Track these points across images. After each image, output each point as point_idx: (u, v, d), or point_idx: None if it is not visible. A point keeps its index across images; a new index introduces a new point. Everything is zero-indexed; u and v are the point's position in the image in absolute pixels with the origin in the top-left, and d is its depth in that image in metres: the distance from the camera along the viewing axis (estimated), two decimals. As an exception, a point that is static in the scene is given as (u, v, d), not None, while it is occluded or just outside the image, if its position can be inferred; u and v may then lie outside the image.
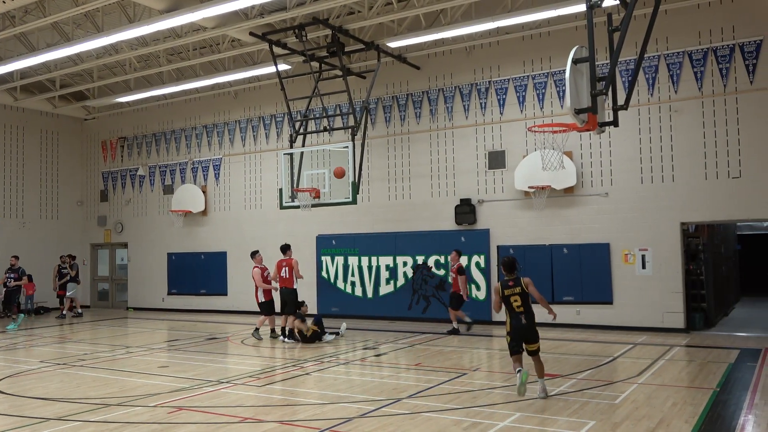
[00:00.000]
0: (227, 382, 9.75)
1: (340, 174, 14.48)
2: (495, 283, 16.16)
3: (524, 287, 8.47)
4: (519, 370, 8.19)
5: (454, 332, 14.46)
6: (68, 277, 20.04)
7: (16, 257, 18.69)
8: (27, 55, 16.80)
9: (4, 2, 12.54)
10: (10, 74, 19.22)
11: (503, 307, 8.58)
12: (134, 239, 23.05)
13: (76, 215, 24.35)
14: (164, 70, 18.75)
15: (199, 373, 10.54)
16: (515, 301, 8.43)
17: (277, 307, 14.41)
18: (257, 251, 14.83)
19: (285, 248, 14.38)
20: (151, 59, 18.79)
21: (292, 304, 13.94)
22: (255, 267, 14.41)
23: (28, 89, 21.29)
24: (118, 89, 21.43)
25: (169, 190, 22.12)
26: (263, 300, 14.25)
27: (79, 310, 20.42)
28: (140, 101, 22.19)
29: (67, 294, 20.06)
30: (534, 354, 8.53)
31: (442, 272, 16.82)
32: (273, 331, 14.41)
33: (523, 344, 8.50)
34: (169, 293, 21.94)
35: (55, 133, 23.86)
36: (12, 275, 18.19)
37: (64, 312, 19.98)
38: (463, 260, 16.52)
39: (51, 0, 14.33)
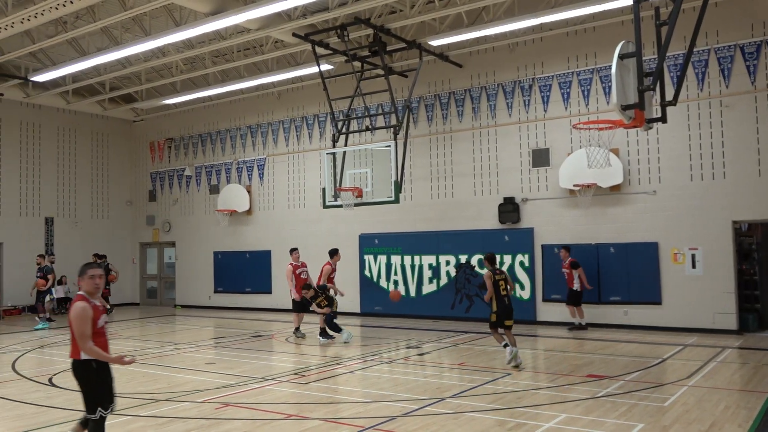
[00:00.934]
0: (272, 379, 9.86)
1: (396, 297, 14.30)
2: (539, 282, 16.02)
3: (506, 275, 11.07)
4: (506, 344, 10.50)
5: (580, 327, 14.78)
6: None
7: (42, 256, 18.91)
8: (78, 59, 17.29)
9: (72, 2, 12.87)
10: (63, 78, 19.81)
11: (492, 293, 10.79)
12: (181, 238, 23.51)
13: (125, 215, 24.98)
14: (209, 71, 19.07)
15: (245, 370, 10.70)
16: (501, 286, 10.77)
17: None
18: (294, 248, 15.06)
19: (330, 252, 14.56)
20: (196, 61, 19.14)
21: (301, 303, 14.11)
22: (288, 264, 14.73)
23: (80, 92, 21.92)
24: (165, 91, 21.91)
25: (214, 189, 22.50)
26: (294, 298, 14.43)
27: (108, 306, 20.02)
28: (187, 103, 22.62)
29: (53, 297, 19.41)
30: (510, 328, 10.75)
31: (485, 271, 16.64)
32: (297, 330, 14.46)
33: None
34: (216, 291, 22.31)
35: (105, 135, 24.51)
36: (38, 274, 18.36)
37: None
38: (507, 260, 16.41)
39: (101, 5, 14.70)
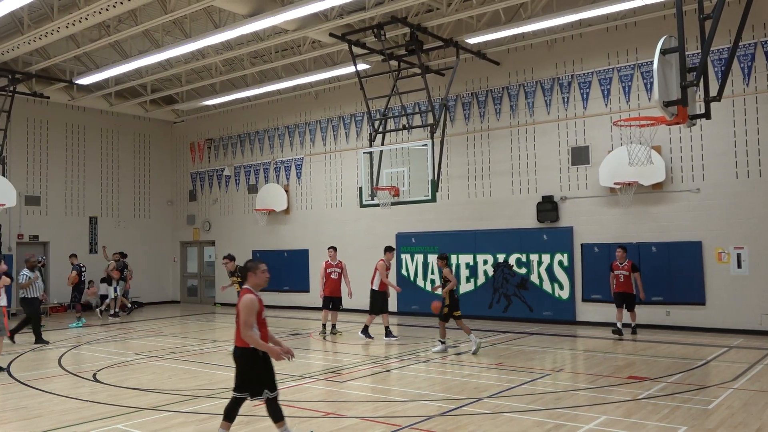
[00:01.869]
0: (310, 377, 9.93)
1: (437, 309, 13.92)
2: (578, 282, 15.79)
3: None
4: (444, 341, 12.08)
5: (634, 331, 13.98)
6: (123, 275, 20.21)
7: (74, 255, 19.46)
8: (121, 62, 17.67)
9: (114, 6, 13.15)
10: (106, 81, 20.26)
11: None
12: (221, 237, 23.84)
13: (166, 214, 25.44)
14: (248, 72, 19.29)
15: (283, 368, 10.77)
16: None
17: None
18: (332, 247, 15.24)
19: (384, 249, 14.51)
20: (235, 63, 19.37)
21: (373, 304, 14.03)
22: (324, 261, 14.96)
23: (122, 95, 22.39)
24: (204, 92, 22.24)
25: (253, 189, 22.75)
26: (325, 296, 14.66)
27: (117, 310, 19.89)
28: (226, 104, 22.92)
29: (117, 293, 20.01)
30: (461, 318, 11.95)
31: (523, 270, 16.54)
32: (325, 327, 14.68)
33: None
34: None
35: (147, 136, 25.00)
36: (79, 270, 18.76)
37: (115, 311, 19.73)
38: (545, 259, 16.23)
39: (142, 9, 15.00)
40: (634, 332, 13.95)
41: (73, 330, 16.83)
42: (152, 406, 8.17)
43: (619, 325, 13.81)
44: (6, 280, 11.72)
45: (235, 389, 6.23)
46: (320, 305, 20.21)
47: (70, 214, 22.60)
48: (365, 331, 13.93)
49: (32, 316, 14.32)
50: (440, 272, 12.73)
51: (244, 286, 6.35)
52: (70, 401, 8.62)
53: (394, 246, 14.91)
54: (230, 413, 6.27)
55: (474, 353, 11.73)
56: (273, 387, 6.23)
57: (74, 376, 10.35)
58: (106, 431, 7.08)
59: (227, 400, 8.29)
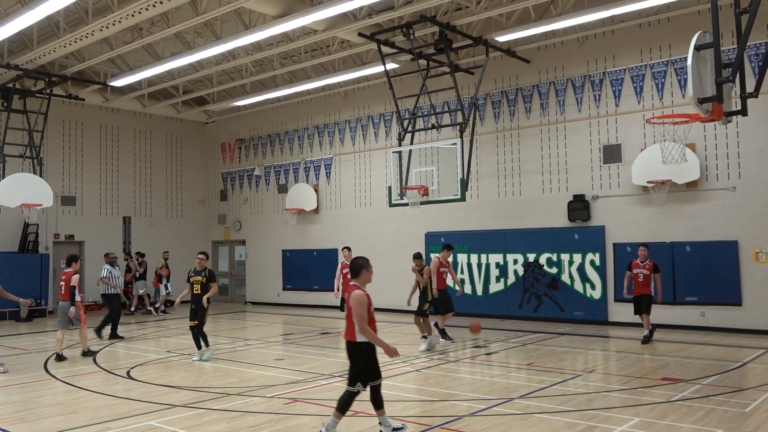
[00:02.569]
0: (340, 376, 9.96)
1: (476, 329, 13.46)
2: (610, 282, 15.58)
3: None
4: (425, 336, 12.15)
5: (646, 340, 12.74)
6: (137, 275, 20.58)
7: (107, 255, 19.72)
8: (153, 64, 17.94)
9: (161, 2, 13.38)
10: (139, 83, 20.58)
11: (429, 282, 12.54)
12: (251, 236, 24.06)
13: (198, 214, 25.76)
14: (278, 73, 19.43)
15: (313, 367, 10.85)
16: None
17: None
18: (346, 247, 15.18)
19: (443, 247, 13.91)
20: (265, 63, 19.53)
21: (439, 304, 13.01)
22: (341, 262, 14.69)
23: (155, 96, 22.73)
24: (235, 93, 22.47)
25: (283, 189, 22.92)
26: (343, 297, 14.34)
27: (158, 306, 20.57)
28: (256, 104, 23.12)
29: (139, 291, 20.60)
30: (428, 317, 12.42)
31: (554, 270, 16.39)
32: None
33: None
34: (284, 289, 22.73)
35: (179, 137, 25.34)
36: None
37: (150, 308, 20.35)
38: (577, 258, 16.05)
39: (174, 11, 15.20)
40: (645, 341, 12.68)
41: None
42: (184, 404, 8.28)
43: (647, 332, 12.84)
44: (76, 278, 12.20)
45: (350, 383, 6.50)
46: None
47: (104, 213, 23.02)
48: (444, 335, 13.23)
49: (113, 311, 14.66)
50: (420, 272, 12.77)
51: (352, 283, 6.68)
52: (104, 398, 8.78)
53: (450, 244, 13.98)
54: (345, 406, 6.49)
55: (421, 350, 12.10)
56: (379, 375, 6.63)
57: (109, 373, 10.53)
58: (140, 427, 7.19)
59: (258, 398, 8.38)
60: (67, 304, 11.87)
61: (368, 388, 6.52)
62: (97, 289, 20.67)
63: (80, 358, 12.04)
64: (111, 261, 15.12)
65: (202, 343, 11.71)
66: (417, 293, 13.00)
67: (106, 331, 14.53)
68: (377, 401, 6.59)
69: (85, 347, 12.36)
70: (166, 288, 20.57)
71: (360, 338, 6.45)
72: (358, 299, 6.43)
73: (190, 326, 11.67)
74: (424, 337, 12.41)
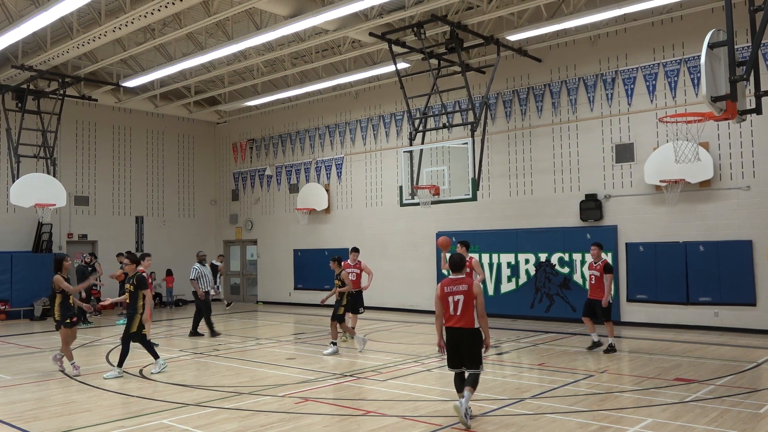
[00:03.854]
0: (351, 376, 9.97)
1: (445, 245, 12.93)
2: (623, 282, 15.49)
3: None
4: (334, 344, 12.25)
5: (612, 350, 11.72)
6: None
7: (122, 254, 19.78)
8: (165, 64, 18.03)
9: (173, 3, 13.44)
10: (151, 83, 20.70)
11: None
12: (263, 236, 24.13)
13: (209, 214, 25.87)
14: (289, 73, 19.47)
15: (324, 366, 10.86)
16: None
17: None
18: (353, 249, 14.73)
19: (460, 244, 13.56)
20: (276, 64, 19.58)
21: None
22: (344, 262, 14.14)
23: (167, 96, 22.85)
24: (246, 93, 22.55)
25: (294, 189, 22.97)
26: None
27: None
28: (267, 104, 23.19)
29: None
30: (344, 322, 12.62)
31: (566, 270, 16.32)
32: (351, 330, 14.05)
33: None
34: (296, 288, 22.77)
35: (191, 137, 25.46)
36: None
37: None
38: (589, 258, 15.91)
39: (186, 12, 15.27)
40: (608, 350, 11.65)
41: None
42: (196, 402, 8.31)
43: (594, 338, 11.99)
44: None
45: (476, 366, 7.26)
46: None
47: (117, 213, 23.16)
48: None
49: (202, 309, 14.85)
50: (339, 274, 12.71)
51: (459, 276, 7.35)
52: (117, 396, 8.84)
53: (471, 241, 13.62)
54: (475, 384, 7.28)
55: (360, 351, 12.20)
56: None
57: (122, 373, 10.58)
58: (152, 426, 7.23)
59: (269, 398, 8.39)
60: None
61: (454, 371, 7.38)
62: (107, 289, 20.95)
63: (90, 357, 12.11)
64: (201, 259, 15.31)
65: (117, 360, 10.40)
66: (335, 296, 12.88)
67: (218, 327, 15.05)
68: (468, 381, 7.28)
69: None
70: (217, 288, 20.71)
71: (476, 324, 7.24)
72: (481, 291, 7.37)
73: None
74: (333, 343, 12.32)
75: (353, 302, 13.81)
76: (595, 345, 11.97)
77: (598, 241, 12.65)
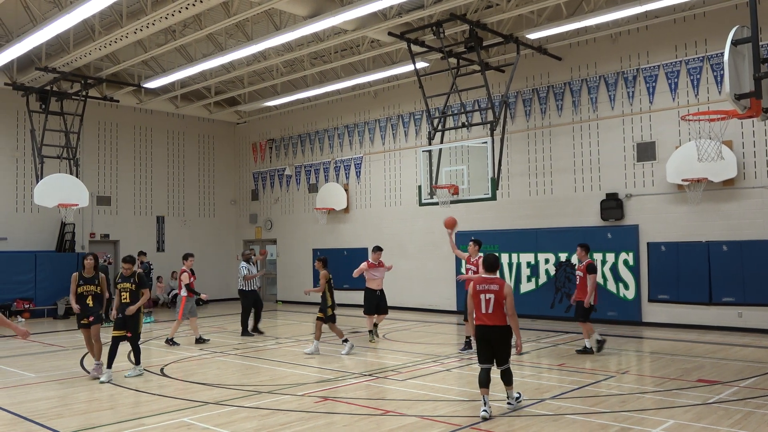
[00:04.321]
0: (370, 375, 9.98)
1: (451, 224, 13.15)
2: (644, 282, 15.34)
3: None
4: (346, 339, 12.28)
5: (587, 351, 11.58)
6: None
7: (143, 253, 19.98)
8: (186, 65, 18.17)
9: (201, 1, 13.52)
10: (172, 84, 20.86)
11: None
12: (282, 236, 24.23)
13: (230, 213, 26.04)
14: (308, 73, 19.53)
15: (343, 365, 10.88)
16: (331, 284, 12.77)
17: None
18: (378, 248, 14.55)
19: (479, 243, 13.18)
20: (295, 64, 19.64)
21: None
22: (366, 261, 14.39)
23: (187, 97, 23.03)
24: (266, 94, 22.66)
25: (313, 188, 23.04)
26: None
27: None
28: (286, 104, 23.27)
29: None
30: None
31: (323, 271, 15.93)
32: (370, 332, 13.92)
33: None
34: (314, 287, 22.78)
35: (211, 137, 25.64)
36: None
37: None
38: (610, 258, 15.84)
39: (206, 13, 15.37)
40: (582, 351, 11.55)
41: (144, 326, 17.41)
42: (217, 401, 8.37)
43: (596, 336, 11.65)
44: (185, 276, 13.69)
45: (501, 363, 7.59)
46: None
47: (138, 213, 23.40)
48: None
49: (247, 307, 15.06)
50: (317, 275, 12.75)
51: (492, 276, 7.69)
52: (139, 394, 8.93)
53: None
54: (511, 379, 7.72)
55: (308, 353, 12.16)
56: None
57: (143, 370, 10.68)
58: (173, 424, 7.29)
59: (289, 396, 8.43)
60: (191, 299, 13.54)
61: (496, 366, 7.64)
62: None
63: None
64: (247, 258, 15.44)
65: (133, 359, 10.41)
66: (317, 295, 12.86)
67: (261, 326, 15.15)
68: (509, 378, 7.68)
69: (196, 335, 13.93)
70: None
71: (507, 322, 7.59)
72: (511, 290, 7.71)
73: (115, 336, 10.05)
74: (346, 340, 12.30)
75: (378, 302, 13.84)
76: (600, 344, 11.60)
77: (584, 242, 12.31)
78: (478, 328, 7.66)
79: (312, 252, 22.93)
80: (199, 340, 13.79)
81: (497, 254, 8.23)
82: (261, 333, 15.17)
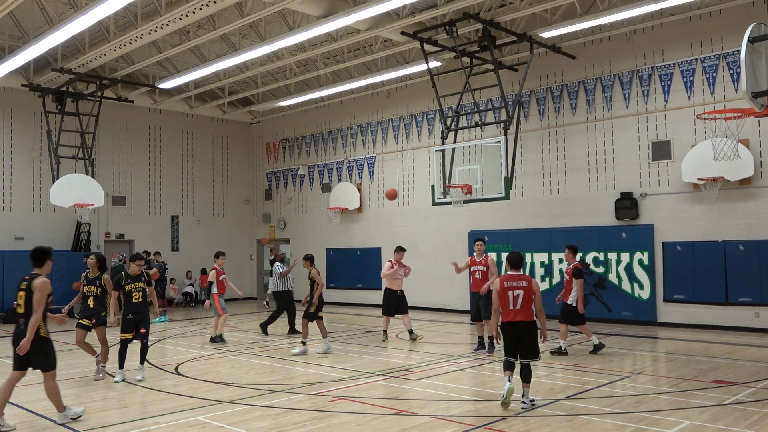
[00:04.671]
0: (383, 375, 9.98)
1: (392, 195, 13.74)
2: (659, 282, 15.23)
3: None
4: (305, 342, 12.21)
5: (561, 352, 11.52)
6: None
7: (158, 253, 20.30)
8: (200, 66, 18.26)
9: (214, 2, 13.55)
10: (186, 84, 20.98)
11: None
12: (295, 235, 24.29)
13: (243, 213, 26.14)
14: (321, 73, 19.57)
15: (356, 365, 10.89)
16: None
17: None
18: (399, 247, 14.33)
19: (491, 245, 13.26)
20: (309, 64, 19.68)
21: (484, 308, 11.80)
22: (389, 260, 14.05)
23: (201, 97, 23.14)
24: (279, 94, 22.72)
25: (326, 188, 23.08)
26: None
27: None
28: (300, 104, 23.33)
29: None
30: (322, 319, 12.39)
31: (601, 269, 16.10)
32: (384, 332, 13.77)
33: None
34: (328, 287, 22.82)
35: (225, 137, 25.76)
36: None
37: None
38: (624, 257, 15.73)
39: (220, 14, 15.44)
40: (556, 352, 11.51)
41: (158, 325, 17.51)
42: (231, 400, 8.40)
43: (594, 341, 11.57)
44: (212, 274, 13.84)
45: (535, 356, 7.95)
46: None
47: (153, 213, 23.55)
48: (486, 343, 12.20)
49: (281, 308, 15.08)
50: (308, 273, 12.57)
51: (517, 273, 7.98)
52: (153, 393, 8.98)
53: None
54: (528, 376, 7.92)
55: (320, 352, 12.02)
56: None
57: (158, 369, 10.76)
58: (188, 422, 7.32)
59: (302, 396, 8.45)
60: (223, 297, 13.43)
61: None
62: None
63: (128, 354, 12.33)
64: (281, 258, 15.55)
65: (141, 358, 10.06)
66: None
67: (293, 327, 14.95)
68: (528, 374, 7.88)
69: (214, 333, 13.63)
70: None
71: (534, 317, 7.90)
72: (539, 286, 8.06)
73: (128, 339, 9.90)
74: (303, 342, 12.24)
75: (399, 303, 13.71)
76: (597, 348, 11.54)
77: (572, 243, 12.28)
78: (507, 324, 7.88)
79: (325, 251, 22.98)
80: (215, 339, 13.62)
81: (521, 252, 8.54)
82: (298, 333, 14.73)
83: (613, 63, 16.33)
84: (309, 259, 12.88)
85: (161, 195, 23.82)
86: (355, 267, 21.95)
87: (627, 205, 15.77)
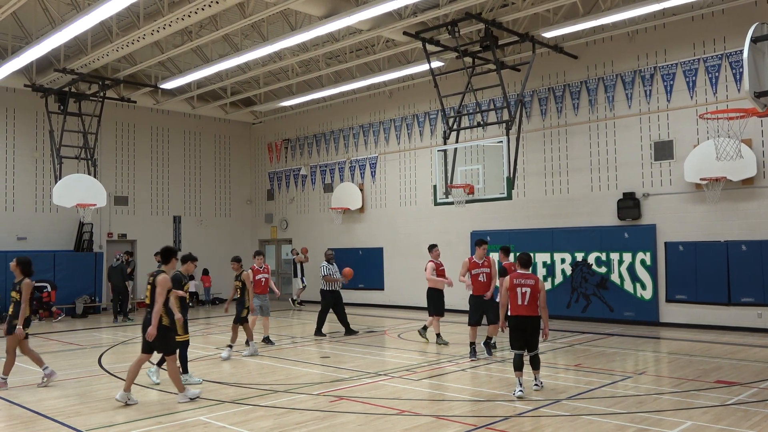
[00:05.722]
0: (385, 375, 9.98)
1: (349, 274, 14.62)
2: (661, 282, 15.21)
3: None
4: (231, 346, 12.07)
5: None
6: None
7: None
8: (202, 66, 18.28)
9: (217, 2, 13.59)
10: (188, 85, 21.00)
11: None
12: (298, 235, 24.30)
13: (245, 213, 26.16)
14: (323, 73, 19.57)
15: (358, 365, 10.89)
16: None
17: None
18: (433, 245, 14.00)
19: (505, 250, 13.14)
20: (311, 64, 19.69)
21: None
22: (429, 261, 13.46)
23: (204, 98, 23.17)
24: (281, 94, 22.73)
25: (329, 188, 23.08)
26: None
27: (295, 299, 22.45)
28: (302, 104, 23.34)
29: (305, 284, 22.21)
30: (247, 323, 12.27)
31: (603, 269, 16.09)
32: (424, 327, 13.52)
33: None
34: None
35: (227, 138, 25.78)
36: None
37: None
38: (627, 257, 15.71)
39: (222, 14, 15.46)
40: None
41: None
42: (233, 399, 8.41)
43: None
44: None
45: (532, 349, 8.60)
46: (394, 304, 20.41)
47: (155, 213, 23.57)
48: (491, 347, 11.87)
49: (325, 307, 14.99)
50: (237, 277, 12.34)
51: (527, 272, 8.70)
52: (156, 392, 8.99)
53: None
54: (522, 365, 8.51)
55: (246, 355, 11.90)
56: None
57: (160, 369, 10.76)
58: (190, 422, 7.33)
59: (304, 396, 8.46)
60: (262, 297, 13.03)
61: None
62: (145, 288, 21.39)
63: (130, 354, 12.35)
64: (328, 258, 15.54)
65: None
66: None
67: (349, 327, 14.90)
68: (537, 363, 8.68)
69: (266, 333, 13.49)
70: (303, 281, 21.94)
71: (539, 313, 8.57)
72: (544, 285, 8.73)
73: (188, 341, 9.79)
74: (247, 343, 12.12)
75: (437, 303, 13.06)
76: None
77: (504, 244, 12.17)
78: (514, 318, 8.59)
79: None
80: (266, 341, 13.24)
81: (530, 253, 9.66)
82: (354, 333, 14.76)
83: (615, 63, 16.31)
84: (237, 260, 12.57)
85: (163, 195, 23.84)
86: (357, 267, 21.81)
87: (629, 205, 15.76)
